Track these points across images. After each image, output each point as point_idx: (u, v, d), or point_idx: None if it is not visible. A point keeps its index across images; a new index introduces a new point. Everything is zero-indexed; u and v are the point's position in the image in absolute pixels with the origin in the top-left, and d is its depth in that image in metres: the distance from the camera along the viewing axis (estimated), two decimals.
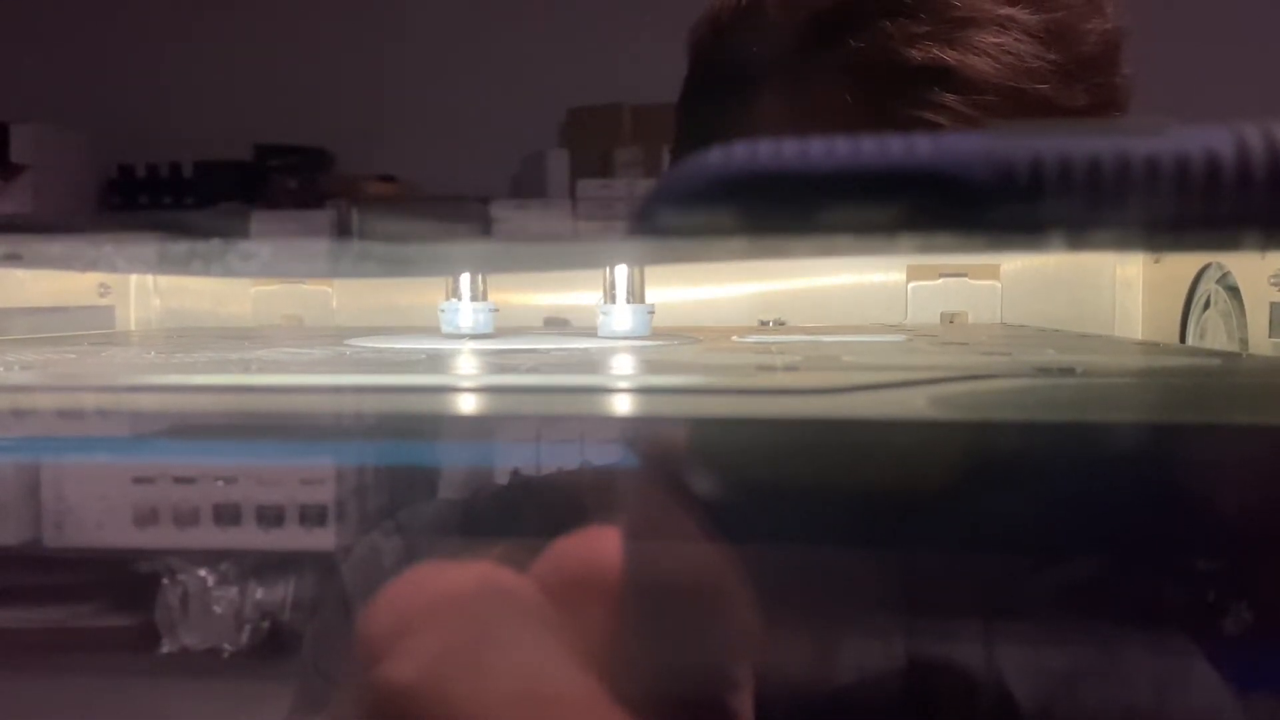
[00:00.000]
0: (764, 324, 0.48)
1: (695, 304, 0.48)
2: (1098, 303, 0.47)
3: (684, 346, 0.33)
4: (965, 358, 0.29)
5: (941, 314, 0.49)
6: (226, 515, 1.43)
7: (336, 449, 0.17)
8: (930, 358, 0.29)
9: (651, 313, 0.39)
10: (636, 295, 0.38)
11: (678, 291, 0.46)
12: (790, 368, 0.24)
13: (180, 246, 0.21)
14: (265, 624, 1.44)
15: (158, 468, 1.39)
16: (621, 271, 0.38)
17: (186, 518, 1.43)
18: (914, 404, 0.17)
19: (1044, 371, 0.23)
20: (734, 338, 0.38)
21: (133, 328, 0.44)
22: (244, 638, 1.44)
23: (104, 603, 1.44)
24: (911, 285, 0.49)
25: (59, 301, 0.40)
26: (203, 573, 1.44)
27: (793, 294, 0.49)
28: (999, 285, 0.49)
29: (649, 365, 0.27)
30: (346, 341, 0.35)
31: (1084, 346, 0.34)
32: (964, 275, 0.49)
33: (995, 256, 0.49)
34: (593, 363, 0.29)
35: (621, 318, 0.37)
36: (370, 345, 0.33)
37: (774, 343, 0.35)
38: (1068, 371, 0.23)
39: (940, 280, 0.49)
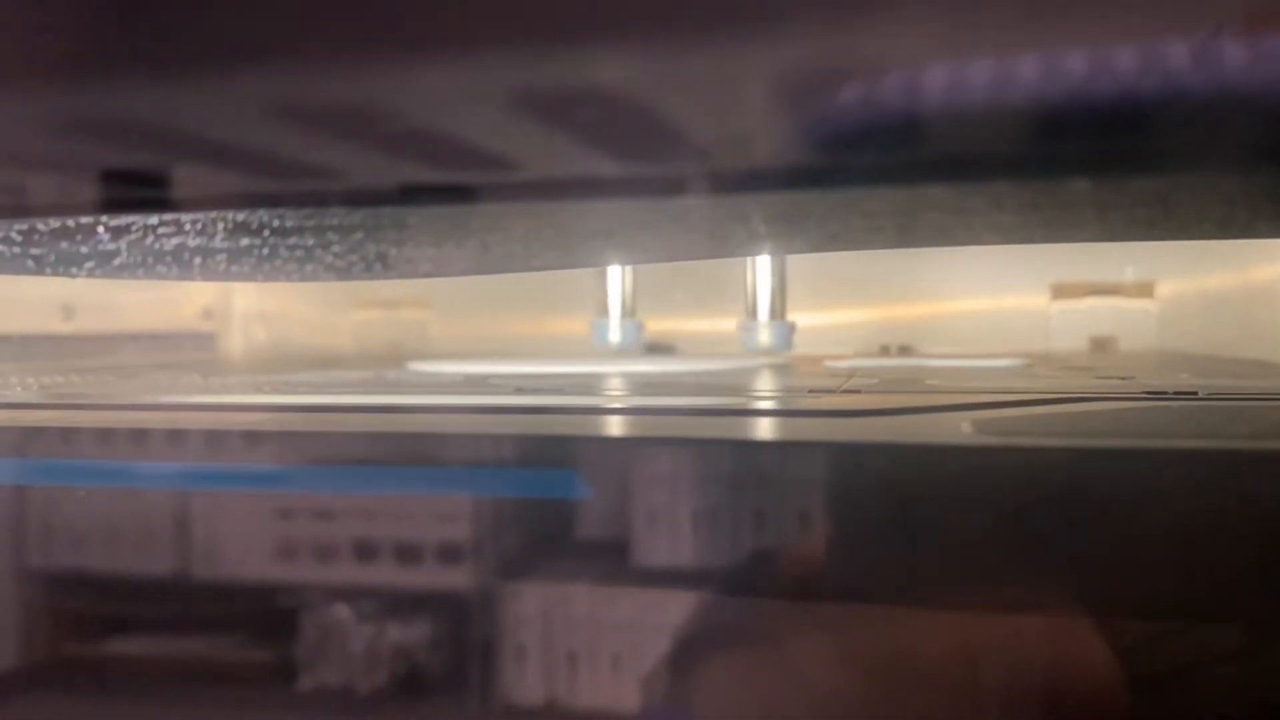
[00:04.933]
0: (885, 350, 0.45)
1: (814, 330, 0.45)
2: (1270, 325, 0.43)
3: (768, 371, 0.31)
4: (1070, 381, 0.26)
5: (1090, 339, 0.45)
6: (365, 551, 1.46)
7: (470, 479, 0.15)
8: (1024, 382, 0.26)
9: (793, 329, 0.40)
10: (777, 312, 0.40)
11: (798, 318, 0.43)
12: (852, 390, 0.23)
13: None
14: (402, 664, 1.46)
15: (298, 500, 1.42)
16: (764, 288, 0.40)
17: (326, 552, 1.46)
18: (958, 428, 0.15)
19: (1157, 395, 0.20)
20: (826, 363, 0.36)
21: (237, 355, 0.44)
22: (381, 677, 1.46)
23: (246, 636, 1.48)
24: (1056, 307, 0.45)
25: (162, 329, 0.40)
26: (342, 609, 1.47)
27: (919, 319, 0.46)
28: (1154, 307, 0.45)
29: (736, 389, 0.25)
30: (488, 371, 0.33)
31: (1238, 371, 0.30)
32: (1115, 294, 0.45)
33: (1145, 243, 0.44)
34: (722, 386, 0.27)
35: (765, 334, 0.40)
36: (509, 372, 0.32)
37: (866, 368, 0.32)
38: (1188, 394, 0.20)
39: (1087, 301, 0.45)
